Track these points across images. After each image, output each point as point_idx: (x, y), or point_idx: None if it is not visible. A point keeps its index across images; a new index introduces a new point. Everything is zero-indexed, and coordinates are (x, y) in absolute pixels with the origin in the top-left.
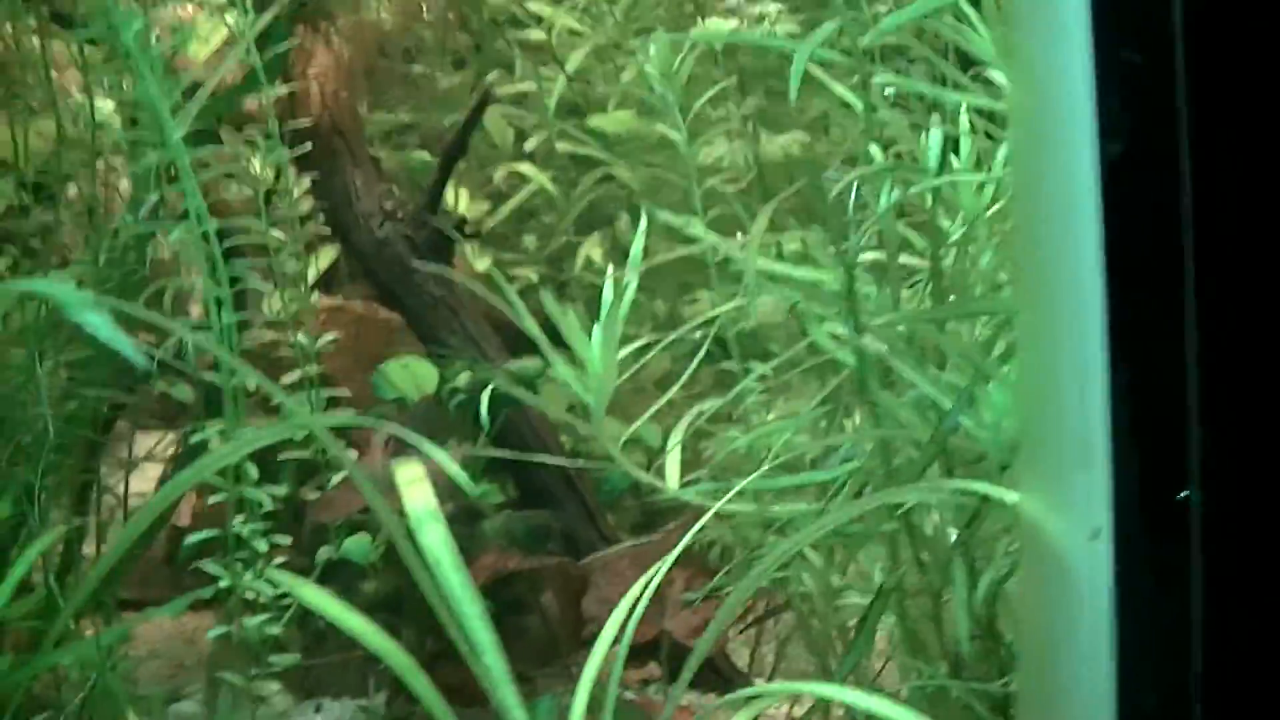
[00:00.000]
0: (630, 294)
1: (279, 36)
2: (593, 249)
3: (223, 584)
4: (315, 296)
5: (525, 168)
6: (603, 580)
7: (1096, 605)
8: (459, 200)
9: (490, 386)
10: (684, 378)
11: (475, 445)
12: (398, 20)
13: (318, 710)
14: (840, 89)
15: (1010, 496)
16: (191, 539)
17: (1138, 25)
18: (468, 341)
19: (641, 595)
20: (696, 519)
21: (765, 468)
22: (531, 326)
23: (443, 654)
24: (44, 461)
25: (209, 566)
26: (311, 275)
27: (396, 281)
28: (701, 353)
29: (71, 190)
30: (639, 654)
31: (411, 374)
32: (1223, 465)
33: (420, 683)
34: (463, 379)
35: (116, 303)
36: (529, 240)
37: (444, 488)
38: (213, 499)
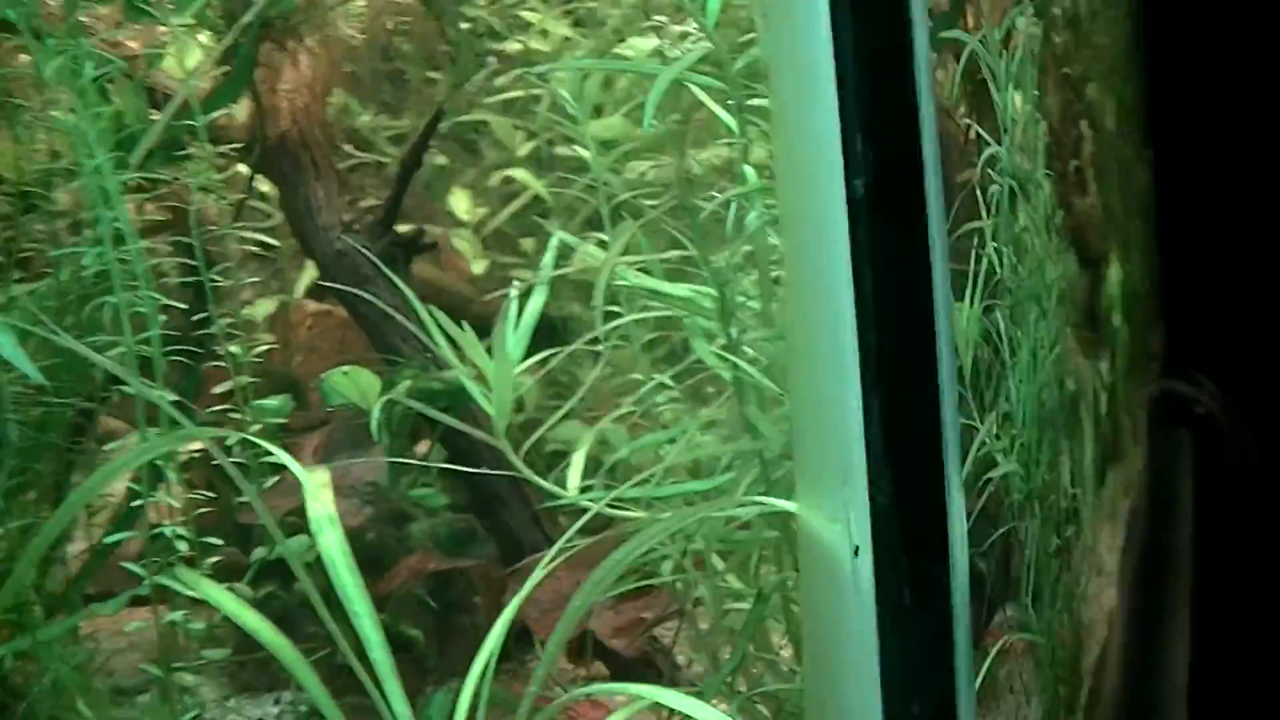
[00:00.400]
0: (536, 309)
1: (247, 55)
2: (589, 251)
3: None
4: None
5: (519, 173)
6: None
7: (862, 616)
8: (460, 203)
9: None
10: (583, 390)
11: (416, 451)
12: (369, 36)
13: (276, 703)
14: (717, 109)
15: (791, 507)
16: (108, 539)
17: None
18: (420, 350)
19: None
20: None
21: (644, 475)
22: (436, 336)
23: None
24: (6, 465)
25: (131, 566)
26: (305, 282)
27: (357, 290)
28: (600, 365)
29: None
30: (567, 652)
31: (353, 382)
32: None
33: (307, 677)
34: (402, 387)
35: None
36: (528, 243)
37: (374, 492)
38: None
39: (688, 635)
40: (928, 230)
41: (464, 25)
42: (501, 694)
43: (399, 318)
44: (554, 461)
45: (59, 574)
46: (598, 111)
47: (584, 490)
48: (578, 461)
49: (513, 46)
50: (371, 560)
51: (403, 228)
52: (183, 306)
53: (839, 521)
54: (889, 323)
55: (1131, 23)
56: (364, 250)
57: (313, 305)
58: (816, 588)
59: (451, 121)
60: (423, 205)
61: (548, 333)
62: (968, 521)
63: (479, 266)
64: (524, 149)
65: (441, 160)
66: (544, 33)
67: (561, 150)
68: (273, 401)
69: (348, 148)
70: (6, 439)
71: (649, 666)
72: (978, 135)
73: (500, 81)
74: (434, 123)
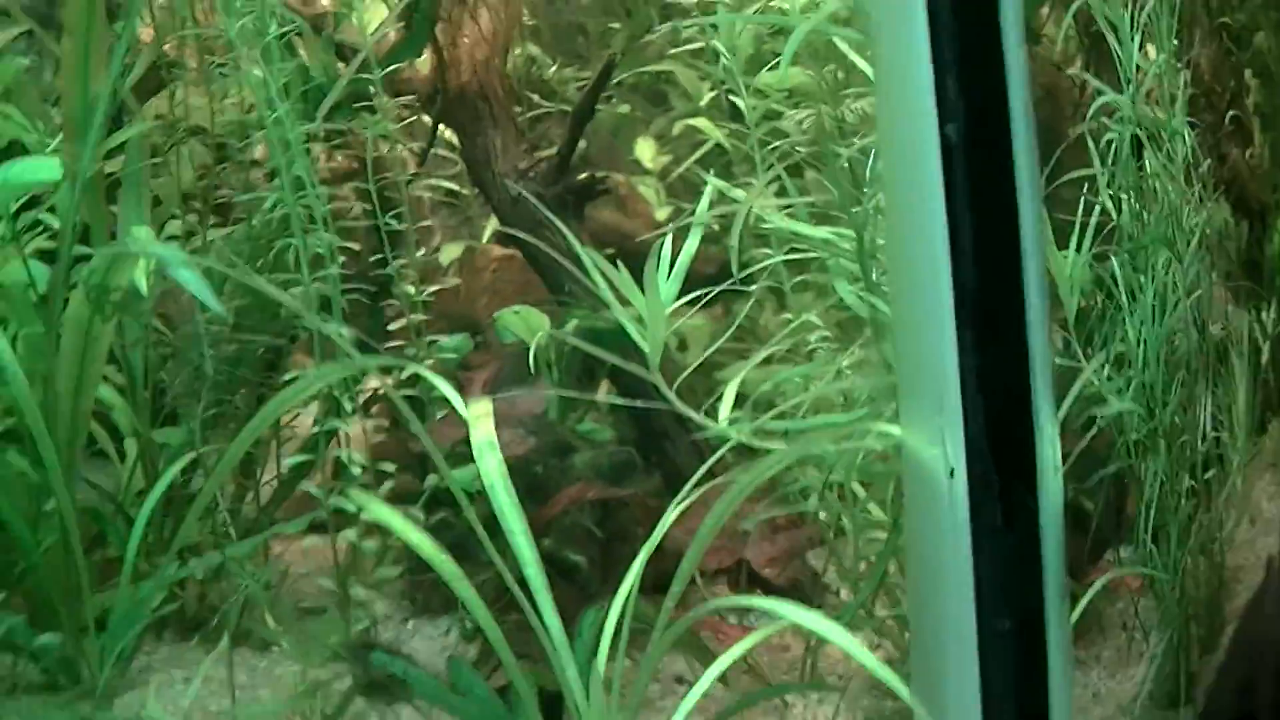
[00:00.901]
0: (690, 251)
1: (428, 9)
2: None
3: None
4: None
5: (701, 121)
6: (688, 511)
7: (957, 534)
8: (644, 151)
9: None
10: (731, 329)
11: (591, 388)
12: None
13: (405, 621)
14: (858, 59)
15: (895, 431)
16: (288, 462)
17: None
18: (590, 292)
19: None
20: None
21: (780, 408)
22: (598, 279)
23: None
24: (205, 397)
25: (312, 489)
26: (491, 227)
27: (528, 235)
28: (746, 307)
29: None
30: (722, 578)
31: (523, 321)
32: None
33: (468, 594)
34: (570, 326)
35: (212, 263)
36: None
37: (538, 424)
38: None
39: (834, 563)
40: (1014, 177)
41: None
42: (646, 611)
43: (564, 262)
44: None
45: (252, 500)
46: (759, 63)
47: (732, 423)
48: (729, 395)
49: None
50: (535, 488)
51: (581, 175)
52: (356, 250)
53: (936, 446)
54: (980, 264)
55: None
56: (537, 196)
57: (497, 250)
58: (918, 508)
59: (633, 72)
60: (609, 153)
61: (718, 275)
62: (1070, 457)
63: (663, 212)
64: (706, 98)
65: (625, 109)
66: None
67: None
68: (451, 340)
69: (535, 96)
70: (203, 373)
71: (800, 592)
72: (1094, 86)
73: (684, 32)
74: (605, 74)
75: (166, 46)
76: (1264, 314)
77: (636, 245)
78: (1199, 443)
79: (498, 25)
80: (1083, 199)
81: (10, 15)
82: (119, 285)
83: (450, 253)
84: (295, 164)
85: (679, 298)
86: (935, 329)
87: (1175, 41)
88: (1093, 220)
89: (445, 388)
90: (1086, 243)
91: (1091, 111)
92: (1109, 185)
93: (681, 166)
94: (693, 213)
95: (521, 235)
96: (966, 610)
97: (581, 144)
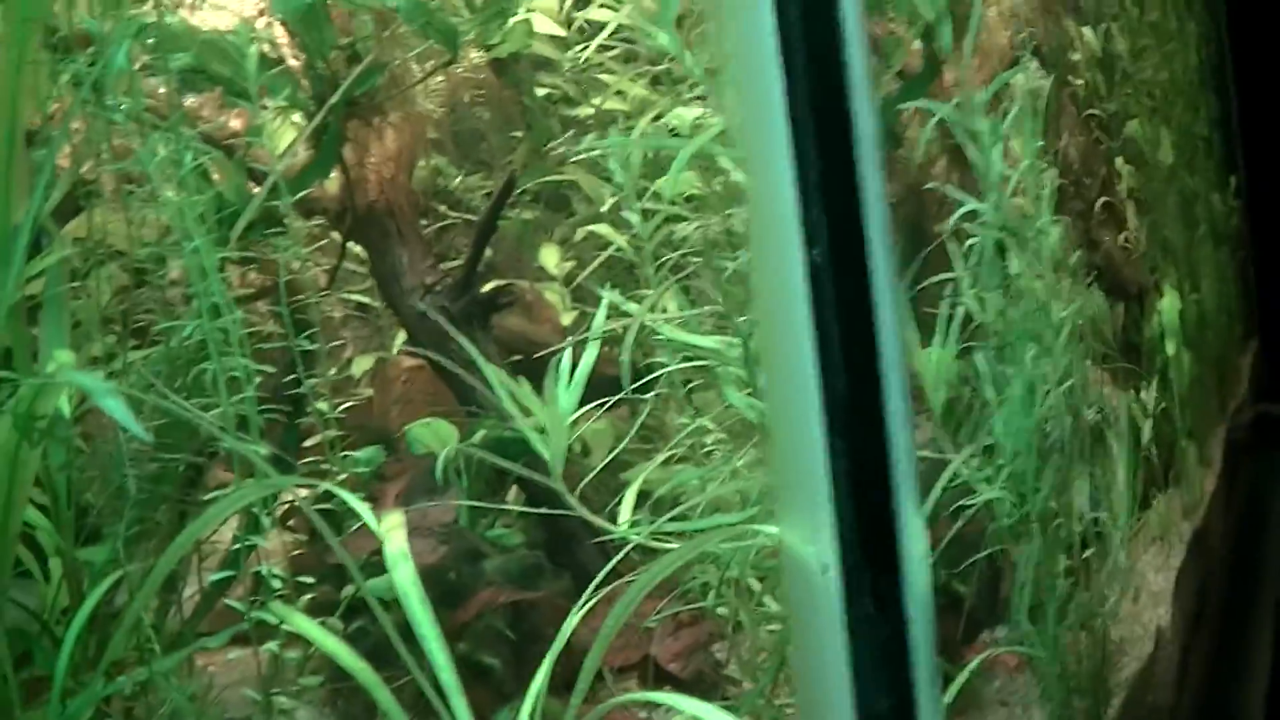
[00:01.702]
0: (588, 363)
1: (335, 131)
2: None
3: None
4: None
5: (603, 228)
6: (594, 611)
7: (833, 624)
8: (549, 258)
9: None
10: (631, 434)
11: (503, 496)
12: (448, 108)
13: None
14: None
15: (772, 530)
16: (213, 578)
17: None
18: (494, 402)
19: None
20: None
21: (679, 509)
22: (499, 390)
23: None
24: (128, 514)
25: (233, 603)
26: (400, 340)
27: (436, 348)
28: (645, 412)
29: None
30: (630, 674)
31: (433, 432)
32: None
33: (384, 696)
34: (477, 437)
35: (130, 390)
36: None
37: (449, 532)
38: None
39: (735, 656)
40: (873, 294)
41: (540, 92)
42: (556, 709)
43: (465, 373)
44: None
45: (175, 615)
46: (659, 168)
47: (633, 525)
48: (629, 498)
49: (585, 111)
50: (449, 594)
51: (486, 286)
52: (270, 370)
53: (811, 544)
54: (844, 373)
55: (1207, 52)
56: (443, 310)
57: (407, 361)
58: (799, 602)
59: (536, 181)
60: (515, 260)
61: (613, 384)
62: (941, 544)
63: (568, 318)
64: (608, 203)
65: (529, 215)
66: (621, 94)
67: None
68: (364, 453)
69: (442, 208)
70: (126, 491)
71: (704, 685)
72: (950, 194)
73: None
74: (506, 190)
75: (84, 169)
76: (1143, 393)
77: (543, 351)
78: (1075, 524)
79: (402, 143)
80: (946, 300)
81: None
82: (45, 412)
83: (362, 365)
84: (211, 289)
85: (581, 405)
86: (807, 434)
87: (1040, 142)
88: (957, 318)
89: (355, 504)
90: (951, 340)
91: (954, 219)
92: (973, 286)
93: (585, 272)
94: (588, 327)
95: (425, 352)
96: (845, 694)
97: (488, 253)
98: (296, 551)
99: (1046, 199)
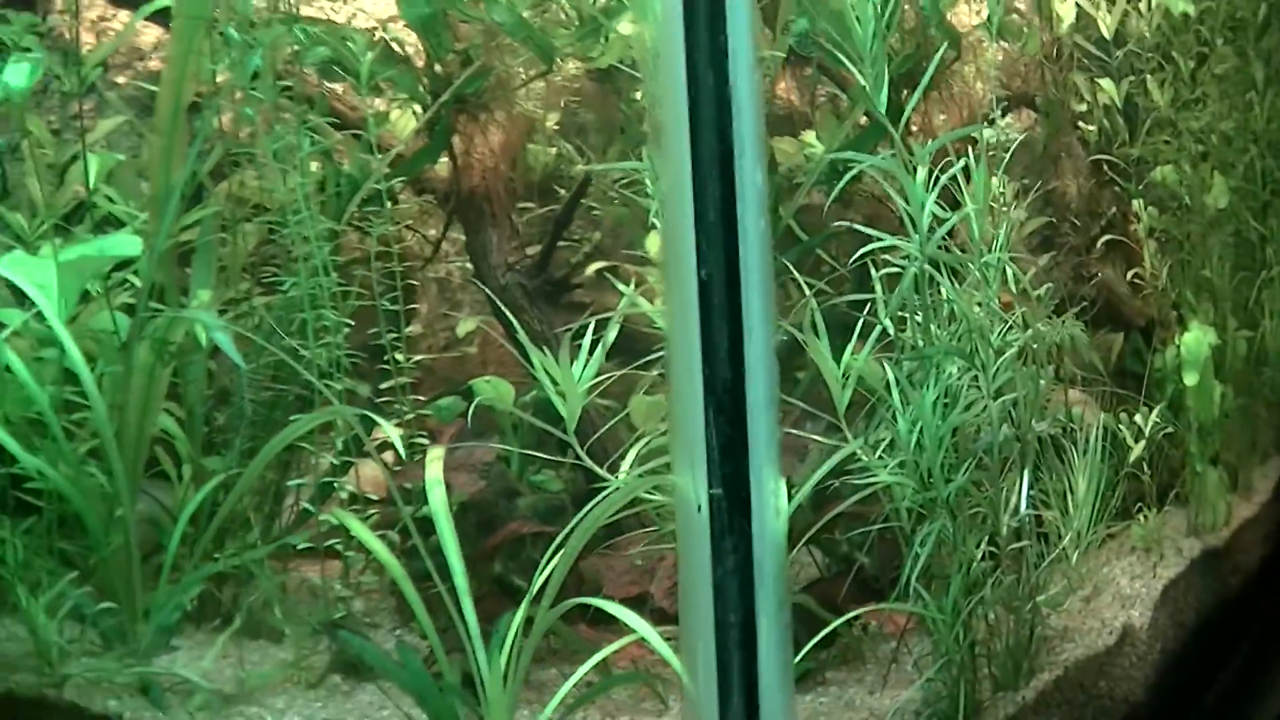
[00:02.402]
0: (607, 341)
1: (447, 123)
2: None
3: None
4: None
5: None
6: (615, 549)
7: (702, 550)
8: (652, 244)
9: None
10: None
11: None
12: (550, 108)
13: (392, 630)
14: None
15: (675, 479)
16: (290, 483)
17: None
18: None
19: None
20: None
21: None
22: (534, 359)
23: None
24: (243, 432)
25: (307, 506)
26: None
27: (513, 317)
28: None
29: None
30: (630, 607)
31: (495, 388)
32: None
33: (410, 590)
34: (529, 395)
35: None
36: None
37: (489, 471)
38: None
39: None
40: (744, 307)
41: (635, 97)
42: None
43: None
44: None
45: (276, 524)
46: None
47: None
48: (630, 454)
49: None
50: (484, 521)
51: (594, 267)
52: (350, 324)
53: (692, 489)
54: (720, 363)
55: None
56: (520, 286)
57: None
58: (684, 532)
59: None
60: (616, 244)
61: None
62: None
63: (660, 299)
64: None
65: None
66: None
67: None
68: (445, 401)
69: (561, 191)
70: (244, 413)
71: None
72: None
73: None
74: (579, 191)
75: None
76: (1136, 417)
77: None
78: (1004, 517)
79: (504, 138)
80: (861, 319)
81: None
82: (176, 340)
83: (466, 326)
84: (316, 253)
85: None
86: (694, 409)
87: (1002, 189)
88: (873, 334)
89: (392, 433)
90: (865, 350)
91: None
92: (901, 308)
93: None
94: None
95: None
96: (708, 607)
97: (597, 235)
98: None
99: (1001, 242)
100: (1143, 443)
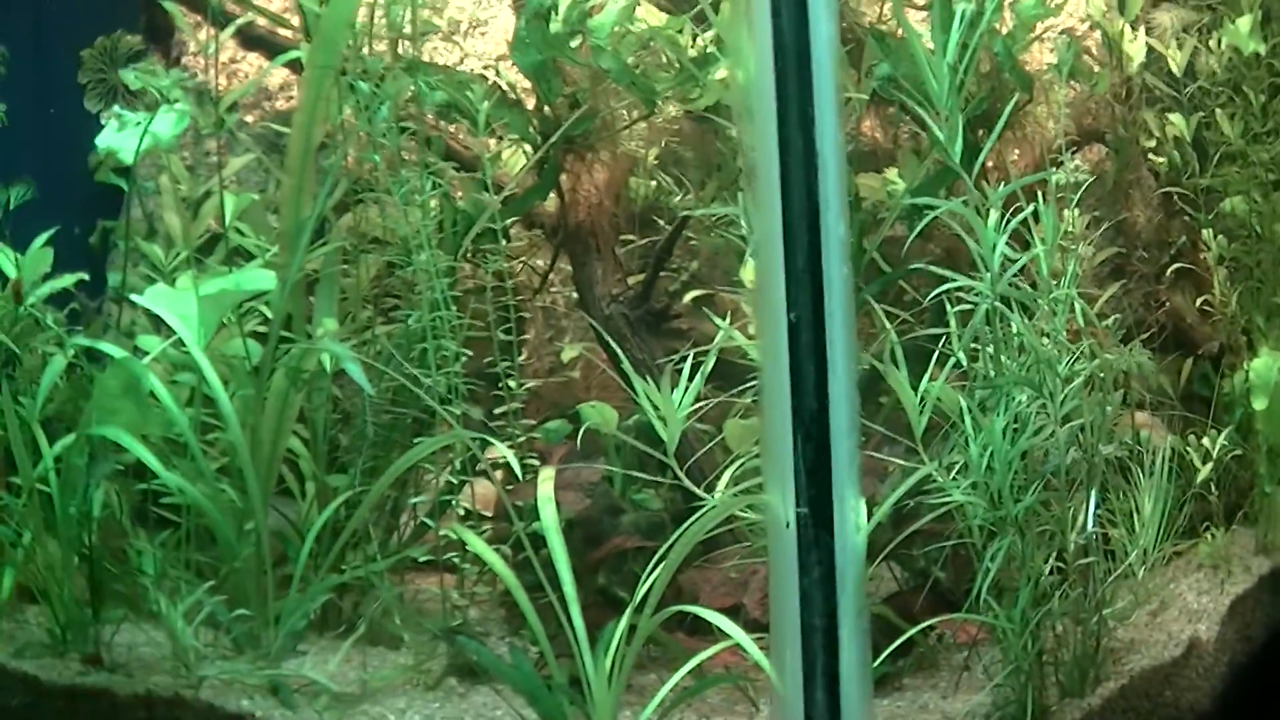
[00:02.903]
0: (704, 370)
1: (555, 162)
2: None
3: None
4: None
5: None
6: (710, 563)
7: (790, 562)
8: (747, 273)
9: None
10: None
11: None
12: (652, 148)
13: (503, 638)
14: None
15: (767, 498)
16: (412, 501)
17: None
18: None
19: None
20: None
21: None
22: (638, 386)
23: None
24: (365, 453)
25: (426, 520)
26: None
27: (617, 345)
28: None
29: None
30: (727, 616)
31: (600, 413)
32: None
33: (523, 599)
34: (632, 419)
35: (370, 361)
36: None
37: (594, 490)
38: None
39: None
40: (828, 348)
41: (730, 134)
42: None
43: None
44: None
45: (395, 538)
46: None
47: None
48: (725, 475)
49: None
50: (591, 536)
51: (691, 295)
52: (469, 353)
53: (782, 508)
54: (807, 395)
55: None
56: (623, 316)
57: (602, 354)
58: (774, 545)
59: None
60: (714, 273)
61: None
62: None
63: (754, 327)
64: None
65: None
66: None
67: None
68: (553, 424)
69: (660, 221)
70: (365, 435)
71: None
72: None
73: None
74: (679, 228)
75: (359, 174)
76: (1204, 439)
77: (728, 353)
78: (1072, 534)
79: (608, 176)
80: (937, 350)
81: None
82: (308, 367)
83: (569, 353)
84: (436, 286)
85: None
86: (784, 436)
87: (1071, 228)
88: (949, 364)
89: (508, 454)
90: (940, 379)
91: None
92: (974, 341)
93: None
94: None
95: (610, 345)
96: (794, 613)
97: (694, 265)
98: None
99: (1071, 273)
100: (1210, 464)
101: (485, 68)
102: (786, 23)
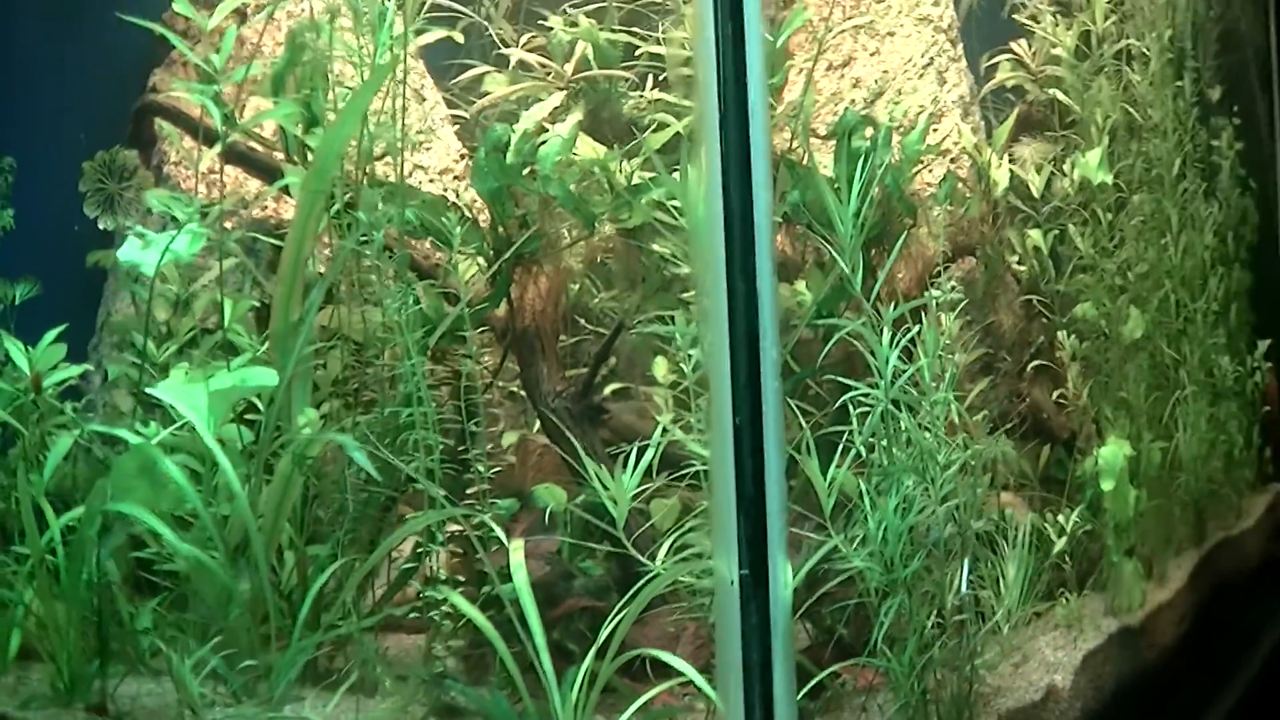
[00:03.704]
0: (647, 458)
1: (506, 274)
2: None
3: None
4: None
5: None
6: (647, 619)
7: (734, 613)
8: (659, 369)
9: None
10: (665, 508)
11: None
12: (590, 260)
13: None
14: None
15: (715, 563)
16: (401, 568)
17: None
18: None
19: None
20: None
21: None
22: (589, 468)
23: None
24: (344, 526)
25: (416, 584)
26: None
27: (560, 438)
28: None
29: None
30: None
31: (551, 493)
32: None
33: (502, 648)
34: (579, 499)
35: (368, 445)
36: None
37: (551, 559)
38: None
39: None
40: (765, 444)
41: (655, 249)
42: (605, 673)
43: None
44: None
45: (370, 598)
46: None
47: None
48: (664, 547)
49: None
50: (549, 598)
51: (610, 388)
52: (445, 441)
53: (727, 569)
54: (747, 482)
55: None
56: (566, 410)
57: (542, 439)
58: (721, 600)
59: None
60: (635, 369)
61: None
62: (819, 591)
63: (666, 419)
64: None
65: (647, 332)
66: None
67: None
68: (505, 502)
69: (582, 321)
70: (345, 509)
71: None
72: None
73: None
74: (616, 333)
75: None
76: (1059, 516)
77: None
78: (949, 595)
79: (551, 286)
80: (841, 443)
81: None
82: (311, 454)
83: (509, 439)
84: (411, 378)
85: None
86: (729, 514)
87: (948, 340)
88: (851, 454)
89: (500, 532)
90: (844, 469)
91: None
92: (871, 436)
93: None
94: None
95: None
96: (737, 653)
97: (613, 360)
98: (454, 560)
99: (948, 379)
100: (1064, 538)
101: (445, 190)
102: (734, 196)
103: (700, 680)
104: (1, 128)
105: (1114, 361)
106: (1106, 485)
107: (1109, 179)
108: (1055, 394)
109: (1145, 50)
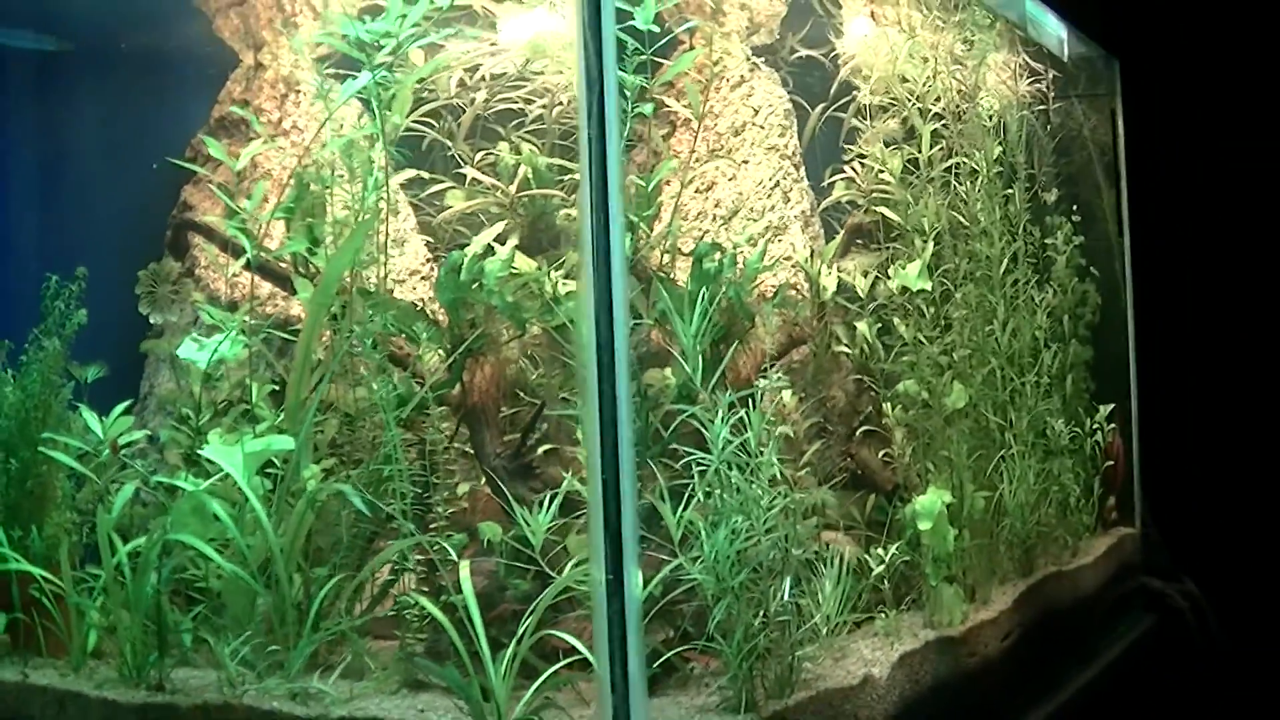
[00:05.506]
0: (555, 505)
1: (460, 362)
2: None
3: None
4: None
5: None
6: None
7: (604, 603)
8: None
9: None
10: (575, 532)
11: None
12: (522, 350)
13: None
14: None
15: (594, 572)
16: (381, 583)
17: None
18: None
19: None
20: None
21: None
22: (518, 511)
23: None
24: (340, 552)
25: (395, 593)
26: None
27: (497, 489)
28: (576, 530)
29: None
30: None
31: (491, 529)
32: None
33: (454, 635)
34: (510, 534)
35: (357, 492)
36: None
37: (491, 577)
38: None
39: None
40: (620, 491)
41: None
42: (532, 659)
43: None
44: None
45: (357, 605)
46: None
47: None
48: (570, 565)
49: None
50: (488, 605)
51: (542, 449)
52: (417, 490)
53: (599, 574)
54: (612, 514)
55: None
56: (504, 468)
57: (487, 490)
58: (596, 595)
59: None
60: (560, 432)
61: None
62: (667, 597)
63: (570, 475)
64: None
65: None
66: None
67: None
68: (457, 536)
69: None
70: (341, 540)
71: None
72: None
73: None
74: (537, 413)
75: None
76: (879, 549)
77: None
78: (771, 600)
79: (493, 372)
80: (688, 492)
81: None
82: (321, 499)
83: (462, 488)
84: (389, 444)
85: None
86: (599, 535)
87: (773, 419)
88: (690, 509)
89: (454, 556)
90: (690, 507)
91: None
92: (707, 487)
93: None
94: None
95: (494, 488)
96: (604, 629)
97: (544, 426)
98: (421, 578)
99: (772, 447)
100: (882, 566)
101: (414, 289)
102: (602, 328)
103: (588, 653)
104: (64, 238)
105: (936, 426)
106: (924, 525)
107: (927, 285)
108: (881, 453)
109: (975, 166)
